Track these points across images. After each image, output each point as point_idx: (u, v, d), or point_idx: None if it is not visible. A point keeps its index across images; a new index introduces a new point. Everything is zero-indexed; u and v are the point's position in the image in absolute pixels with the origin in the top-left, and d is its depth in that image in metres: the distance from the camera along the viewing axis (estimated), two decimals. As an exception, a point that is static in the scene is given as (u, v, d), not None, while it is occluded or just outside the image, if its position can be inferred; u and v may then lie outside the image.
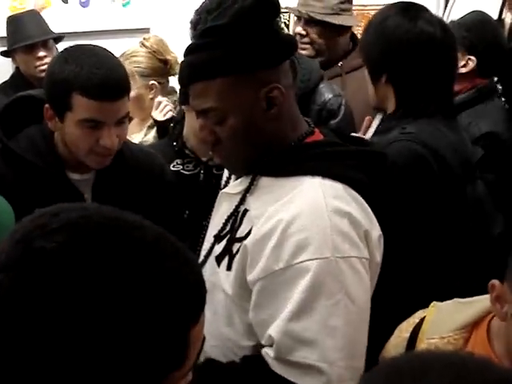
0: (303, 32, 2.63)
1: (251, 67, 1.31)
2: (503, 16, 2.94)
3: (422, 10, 1.89)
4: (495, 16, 2.96)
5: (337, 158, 1.38)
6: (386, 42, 1.82)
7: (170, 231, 0.76)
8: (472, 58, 2.36)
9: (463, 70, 2.31)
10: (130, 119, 2.66)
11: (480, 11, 2.74)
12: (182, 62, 1.39)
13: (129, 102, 1.66)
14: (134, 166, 1.76)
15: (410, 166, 1.70)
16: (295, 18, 2.81)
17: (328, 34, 2.63)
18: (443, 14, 4.58)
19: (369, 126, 2.08)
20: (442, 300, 1.46)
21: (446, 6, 4.83)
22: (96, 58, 1.60)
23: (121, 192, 1.66)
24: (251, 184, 1.38)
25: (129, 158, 1.75)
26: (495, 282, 1.19)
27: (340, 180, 1.34)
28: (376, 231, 1.38)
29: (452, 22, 2.55)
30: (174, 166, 1.99)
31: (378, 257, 1.40)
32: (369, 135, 2.00)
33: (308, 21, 2.62)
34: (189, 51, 1.36)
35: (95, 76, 1.55)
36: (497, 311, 1.21)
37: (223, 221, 1.42)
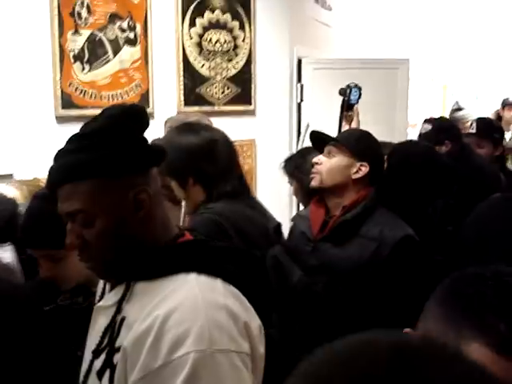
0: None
1: (119, 171, 1.33)
2: (342, 129, 3.19)
3: (195, 125, 2.42)
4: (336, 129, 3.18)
5: (208, 254, 1.40)
6: (177, 154, 2.20)
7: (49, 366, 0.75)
8: (364, 163, 2.45)
9: (357, 176, 2.44)
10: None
11: (357, 129, 3.03)
12: (50, 167, 1.37)
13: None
14: None
15: (211, 232, 2.04)
16: None
17: None
18: (297, 142, 4.98)
19: None
20: None
21: (298, 133, 5.26)
22: None
23: None
24: (126, 291, 1.35)
25: None
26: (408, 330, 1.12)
27: (214, 274, 1.34)
28: (255, 322, 1.35)
29: (342, 133, 2.84)
30: (61, 301, 1.86)
31: (262, 348, 1.36)
32: None
33: None
34: (57, 157, 1.37)
35: None
36: None
37: (100, 334, 1.35)
